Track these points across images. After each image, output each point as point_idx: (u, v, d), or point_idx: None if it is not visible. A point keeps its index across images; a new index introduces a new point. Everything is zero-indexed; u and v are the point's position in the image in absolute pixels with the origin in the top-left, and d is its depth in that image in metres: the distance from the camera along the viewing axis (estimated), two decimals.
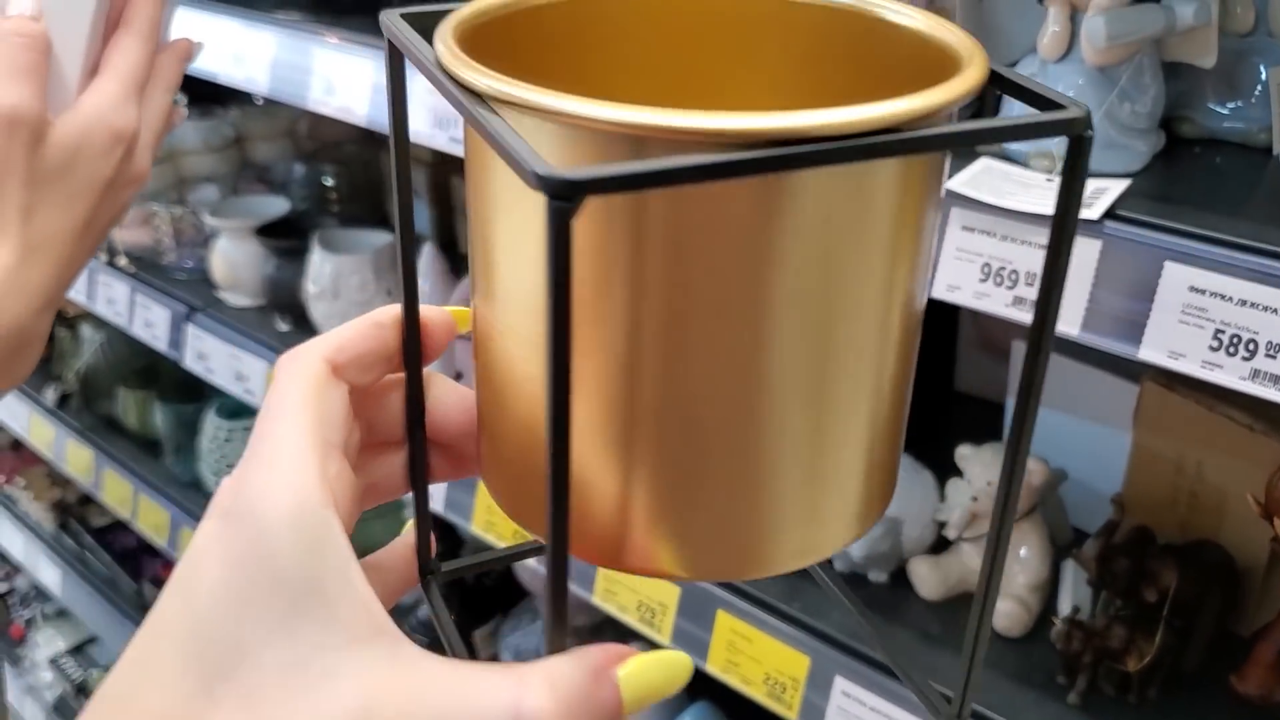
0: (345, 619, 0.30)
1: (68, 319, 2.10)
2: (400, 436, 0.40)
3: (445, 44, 0.32)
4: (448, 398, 0.41)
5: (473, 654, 1.44)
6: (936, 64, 0.34)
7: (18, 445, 2.35)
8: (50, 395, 2.04)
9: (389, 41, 0.35)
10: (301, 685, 0.29)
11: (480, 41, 0.34)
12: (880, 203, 0.31)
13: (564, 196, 0.25)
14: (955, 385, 1.31)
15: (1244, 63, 0.79)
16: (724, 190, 0.29)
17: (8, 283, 0.65)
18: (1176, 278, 0.66)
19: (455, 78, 0.31)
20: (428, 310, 0.39)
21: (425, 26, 0.35)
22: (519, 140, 0.27)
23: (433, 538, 0.42)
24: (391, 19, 0.35)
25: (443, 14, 0.36)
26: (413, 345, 0.39)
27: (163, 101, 0.74)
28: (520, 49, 0.36)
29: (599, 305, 0.31)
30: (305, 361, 0.36)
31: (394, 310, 0.39)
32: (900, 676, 0.43)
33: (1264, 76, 0.78)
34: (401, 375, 0.40)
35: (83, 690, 2.25)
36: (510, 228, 0.33)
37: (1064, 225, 0.32)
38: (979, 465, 0.96)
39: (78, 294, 1.72)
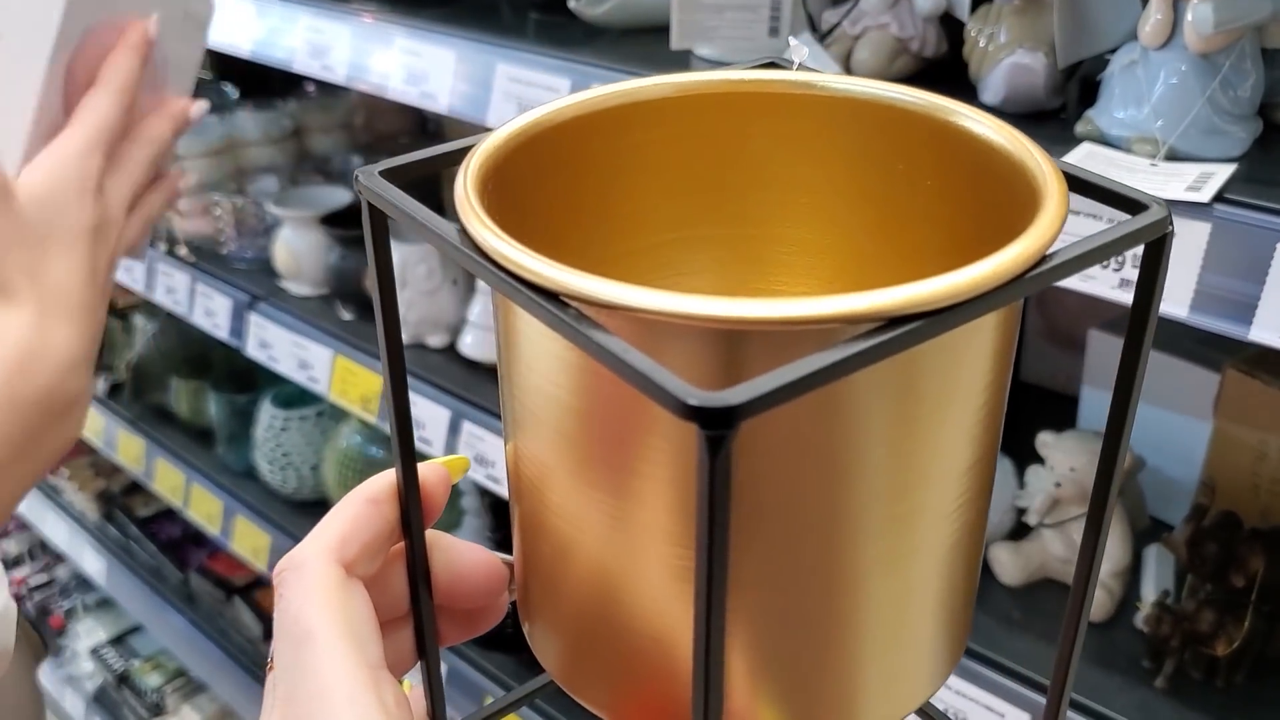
0: None
1: (119, 310, 2.11)
2: (405, 612, 0.38)
3: (479, 221, 0.28)
4: (460, 558, 0.38)
5: None
6: (1005, 179, 0.31)
7: None
8: (101, 385, 2.06)
9: (368, 204, 0.31)
10: None
11: (492, 182, 0.30)
12: (971, 359, 0.29)
13: (721, 425, 0.22)
14: (1022, 376, 1.31)
15: None
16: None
17: (33, 345, 0.63)
18: None
19: (506, 265, 0.26)
20: (423, 469, 0.36)
21: (410, 179, 0.31)
22: (652, 365, 0.23)
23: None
24: (371, 180, 0.31)
25: (433, 160, 0.32)
26: (415, 513, 0.36)
27: (139, 157, 0.72)
28: (540, 177, 0.33)
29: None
30: (316, 571, 0.33)
31: (386, 481, 0.36)
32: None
33: None
34: (399, 546, 0.37)
35: (124, 680, 2.27)
36: (552, 374, 0.29)
37: (1143, 321, 0.30)
38: (1061, 452, 0.97)
39: (136, 283, 1.74)
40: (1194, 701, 0.88)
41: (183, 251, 1.66)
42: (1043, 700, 0.88)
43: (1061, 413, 1.17)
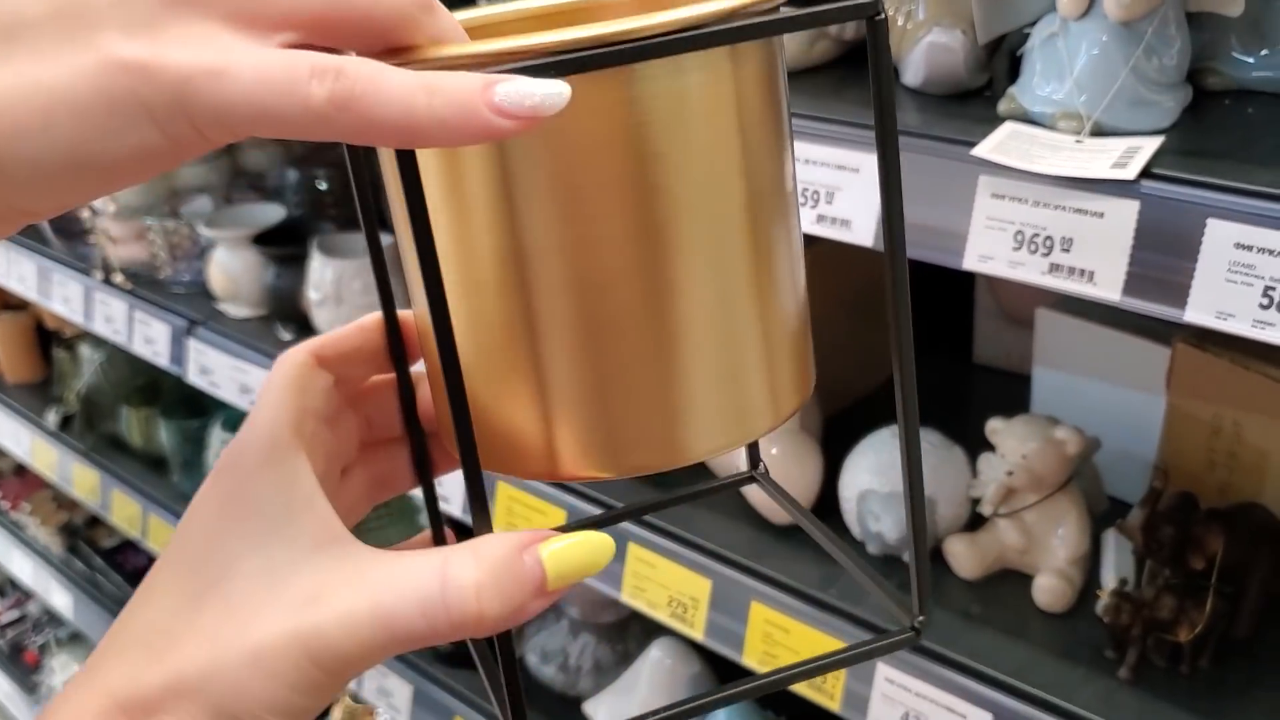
0: (308, 533, 0.36)
1: (66, 340, 2.07)
2: (400, 432, 0.44)
3: None
4: None
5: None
6: None
7: (21, 470, 2.33)
8: (51, 418, 2.02)
9: None
10: (270, 584, 0.35)
11: None
12: (717, 95, 0.35)
13: None
14: (974, 357, 1.28)
15: (1271, 8, 0.77)
16: (574, 102, 0.31)
17: None
18: (1221, 235, 0.64)
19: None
20: (406, 314, 0.43)
21: None
22: None
23: (450, 534, 0.45)
24: None
25: None
26: (396, 346, 0.43)
27: None
28: None
29: (482, 237, 0.35)
30: (292, 355, 0.41)
31: (375, 314, 0.43)
32: (863, 583, 0.45)
33: None
34: (394, 376, 0.44)
35: None
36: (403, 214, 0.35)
37: (883, 110, 0.37)
38: (1012, 439, 0.94)
39: (74, 314, 1.70)
40: (1159, 690, 0.86)
41: (119, 279, 1.62)
42: (1006, 698, 0.86)
43: (1015, 393, 1.14)
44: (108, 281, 1.64)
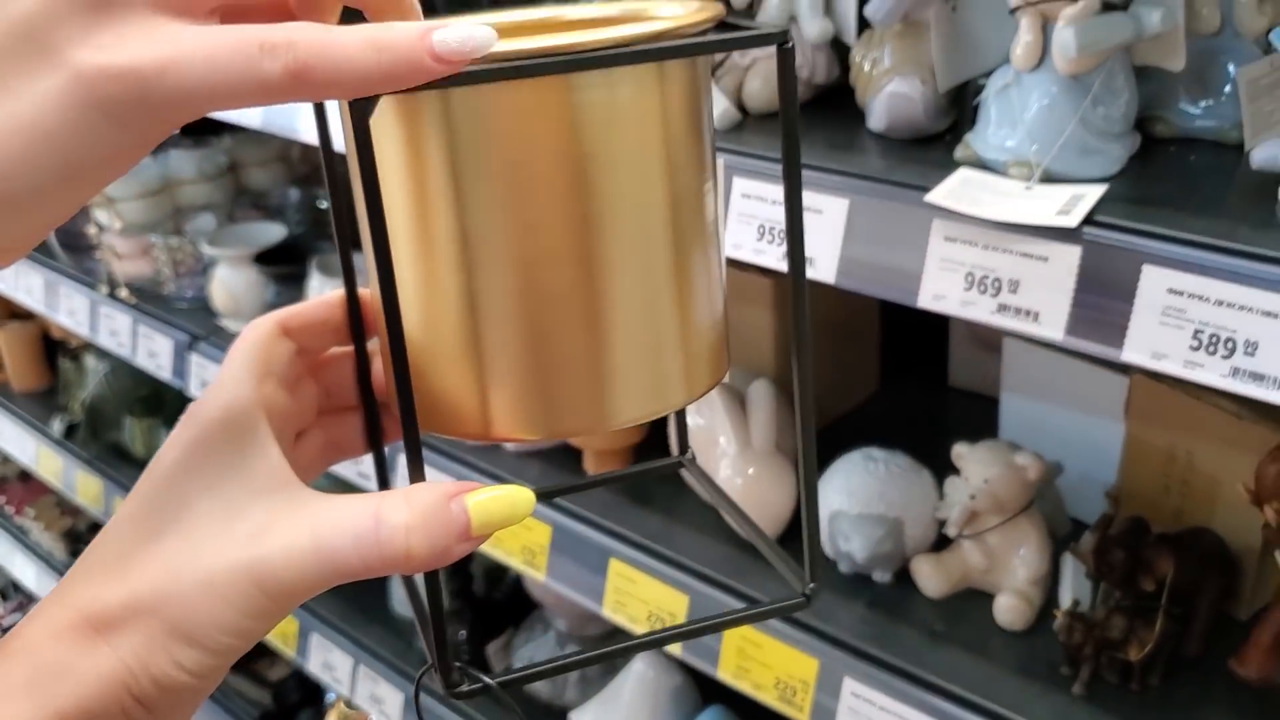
0: (261, 477, 0.39)
1: (71, 350, 2.11)
2: (354, 401, 0.49)
3: None
4: None
5: (484, 665, 1.46)
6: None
7: (26, 476, 2.37)
8: (56, 426, 2.06)
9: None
10: (223, 520, 0.38)
11: None
12: (643, 104, 0.40)
13: (360, 99, 0.35)
14: (950, 381, 1.32)
15: (1213, 62, 0.81)
16: (516, 104, 0.38)
17: None
18: (1155, 280, 0.68)
19: None
20: (367, 293, 0.47)
21: None
22: None
23: None
24: None
25: None
26: (356, 323, 0.48)
27: None
28: None
29: (430, 210, 0.39)
30: (260, 322, 0.46)
31: (340, 292, 0.48)
32: (761, 550, 0.50)
33: (1232, 75, 0.80)
34: (351, 348, 0.49)
35: None
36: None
37: (789, 134, 0.41)
38: (974, 463, 0.98)
39: (80, 326, 1.74)
40: (1110, 706, 0.90)
41: (124, 294, 1.67)
42: (967, 713, 0.90)
43: (987, 417, 1.18)
44: (113, 296, 1.69)
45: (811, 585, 0.47)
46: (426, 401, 0.41)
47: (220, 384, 0.42)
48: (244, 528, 0.38)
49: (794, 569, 0.48)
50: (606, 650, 0.47)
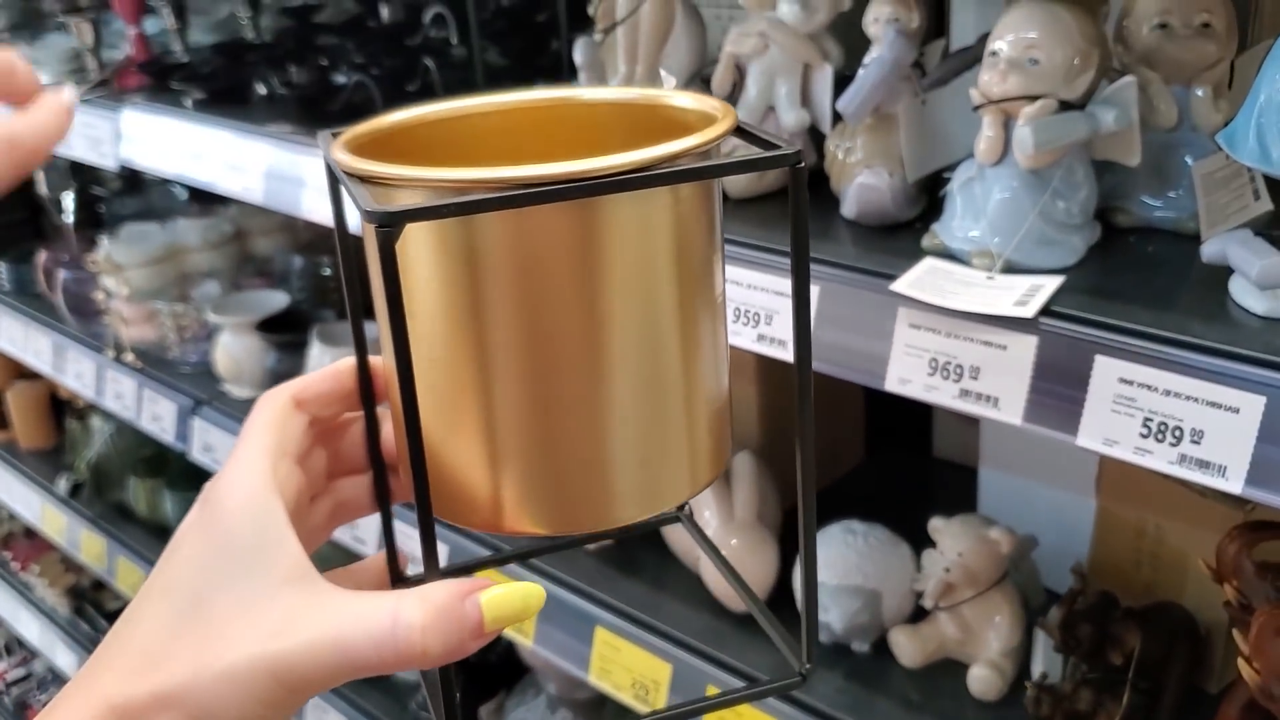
0: (279, 570, 0.41)
1: (78, 410, 2.15)
2: (362, 464, 0.52)
3: (338, 147, 0.44)
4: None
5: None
6: (692, 126, 0.44)
7: (31, 533, 2.40)
8: (62, 485, 2.09)
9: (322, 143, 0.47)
10: (244, 613, 0.40)
11: (372, 149, 0.45)
12: (657, 221, 0.41)
13: (387, 224, 0.37)
14: (934, 451, 1.35)
15: (1171, 156, 0.84)
16: (534, 223, 0.39)
17: None
18: (1107, 370, 0.71)
19: (343, 168, 0.42)
20: (376, 360, 0.50)
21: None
22: (360, 191, 0.39)
23: (403, 555, 0.52)
24: (324, 137, 0.47)
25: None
26: (365, 390, 0.50)
27: None
28: (402, 155, 0.47)
29: (450, 321, 0.41)
30: (274, 396, 0.47)
31: (348, 359, 0.50)
32: (762, 624, 0.52)
33: (1190, 168, 0.83)
34: (360, 414, 0.51)
35: None
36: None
37: (798, 249, 0.43)
38: (949, 537, 1.01)
39: (86, 389, 1.78)
40: None
41: (129, 358, 1.71)
42: None
43: (969, 488, 1.21)
44: (119, 360, 1.72)
45: (808, 666, 0.49)
46: (441, 492, 0.44)
47: (238, 468, 0.44)
48: (265, 622, 0.40)
49: (792, 646, 0.50)
50: None
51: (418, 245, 0.41)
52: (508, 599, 0.41)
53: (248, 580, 0.41)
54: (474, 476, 0.43)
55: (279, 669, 0.39)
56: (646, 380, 0.43)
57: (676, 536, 1.16)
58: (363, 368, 0.50)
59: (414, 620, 0.39)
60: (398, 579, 0.52)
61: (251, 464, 0.44)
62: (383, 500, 0.52)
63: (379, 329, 0.45)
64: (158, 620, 0.41)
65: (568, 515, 0.44)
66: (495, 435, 0.42)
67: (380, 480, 0.52)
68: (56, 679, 2.50)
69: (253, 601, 0.41)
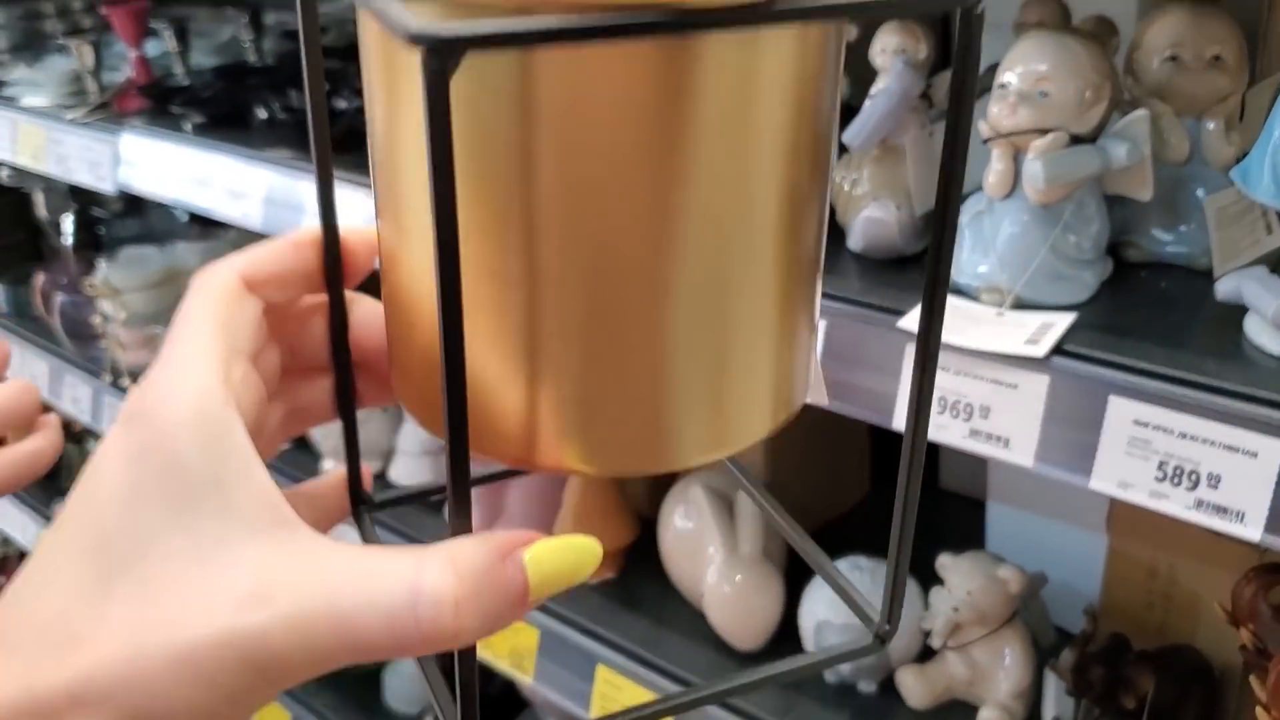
0: (243, 510, 0.30)
1: (74, 434, 2.13)
2: (324, 361, 0.40)
3: None
4: (373, 318, 0.39)
5: None
6: None
7: (25, 557, 2.38)
8: (58, 509, 2.07)
9: None
10: (196, 573, 0.29)
11: None
12: (768, 76, 0.31)
13: (440, 53, 0.25)
14: (940, 484, 1.33)
15: (1183, 190, 0.83)
16: (614, 61, 0.28)
17: None
18: (1121, 412, 0.69)
19: None
20: (349, 230, 0.38)
21: None
22: (394, 3, 0.26)
23: (366, 471, 0.42)
24: None
25: None
26: (333, 266, 0.38)
27: None
28: None
29: (491, 186, 0.30)
30: (217, 275, 0.35)
31: (314, 230, 0.38)
32: (833, 588, 0.43)
33: (1202, 202, 0.82)
34: (324, 298, 0.39)
35: None
36: (399, 122, 0.32)
37: (961, 97, 0.33)
38: (958, 575, 0.99)
39: (83, 414, 1.76)
40: None
41: (127, 383, 1.69)
42: None
43: (976, 521, 1.19)
44: (116, 385, 1.71)
45: (887, 627, 0.41)
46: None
47: (174, 370, 0.32)
48: (229, 586, 0.29)
49: (869, 609, 0.41)
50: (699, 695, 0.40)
51: (465, 94, 0.28)
52: (558, 555, 0.31)
53: (200, 522, 0.30)
54: (507, 395, 0.33)
55: (252, 649, 0.29)
56: (733, 289, 0.32)
57: (679, 572, 1.14)
58: (329, 236, 0.38)
59: (443, 592, 0.29)
60: (359, 502, 0.42)
61: (196, 367, 0.32)
62: (346, 405, 0.41)
63: (377, 187, 0.35)
64: (69, 580, 0.30)
65: (616, 454, 0.34)
66: (537, 343, 0.32)
67: (344, 379, 0.40)
68: None
69: (210, 556, 0.29)
